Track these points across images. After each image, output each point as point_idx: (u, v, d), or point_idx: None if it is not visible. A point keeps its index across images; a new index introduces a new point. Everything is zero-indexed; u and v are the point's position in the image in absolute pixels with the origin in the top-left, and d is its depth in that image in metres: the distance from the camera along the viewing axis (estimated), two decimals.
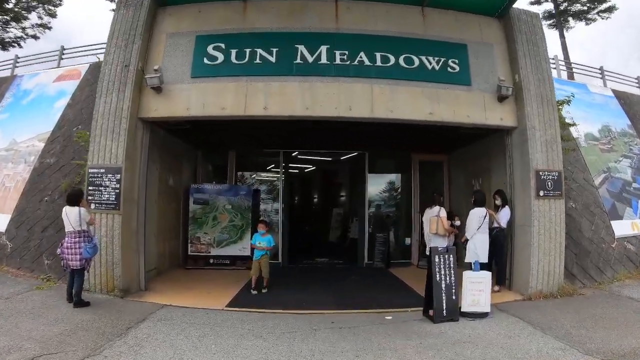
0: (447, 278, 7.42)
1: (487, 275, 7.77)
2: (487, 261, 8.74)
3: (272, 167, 14.49)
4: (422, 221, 11.72)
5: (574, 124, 13.26)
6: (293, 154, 14.98)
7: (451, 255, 7.51)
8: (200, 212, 12.76)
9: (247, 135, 12.29)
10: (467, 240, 8.94)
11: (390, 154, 14.30)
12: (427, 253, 8.86)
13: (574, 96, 12.30)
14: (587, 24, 28.13)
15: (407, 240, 13.82)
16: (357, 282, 11.09)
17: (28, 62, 18.28)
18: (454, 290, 7.43)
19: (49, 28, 27.35)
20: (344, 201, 22.21)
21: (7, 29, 26.17)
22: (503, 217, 9.48)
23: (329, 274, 12.18)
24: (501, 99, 9.55)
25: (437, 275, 7.35)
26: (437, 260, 7.38)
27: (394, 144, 13.00)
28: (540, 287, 9.05)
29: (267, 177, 14.44)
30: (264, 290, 9.50)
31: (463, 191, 12.87)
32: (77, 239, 7.85)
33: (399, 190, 14.35)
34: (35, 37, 27.09)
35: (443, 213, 9.17)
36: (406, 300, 8.74)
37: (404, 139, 12.18)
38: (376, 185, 14.13)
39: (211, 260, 12.63)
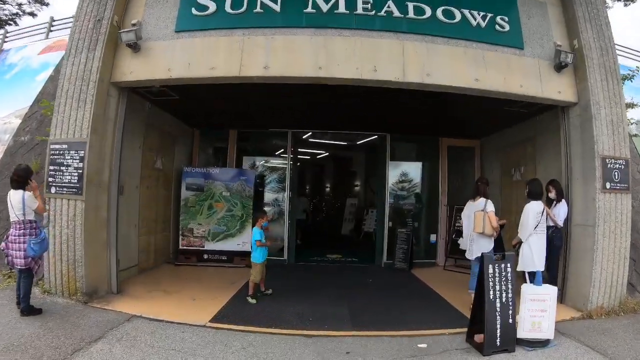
0: (504, 295, 5.53)
1: (552, 291, 5.88)
2: (542, 269, 6.91)
3: (279, 152, 12.72)
4: (452, 217, 10.27)
5: (633, 105, 11.21)
6: (303, 137, 13.26)
7: (509, 265, 5.58)
8: (193, 199, 11.03)
9: (248, 113, 10.48)
10: (519, 243, 7.03)
11: (415, 137, 12.38)
12: (470, 257, 7.50)
13: (639, 70, 10.27)
14: (625, 4, 25.80)
15: (433, 238, 11.97)
16: (375, 287, 9.27)
17: (18, 36, 16.74)
18: (511, 312, 5.55)
19: (46, 4, 25.56)
20: (359, 191, 20.77)
21: (3, 7, 24.47)
22: (561, 213, 7.62)
23: (342, 276, 10.37)
24: (559, 67, 7.71)
25: (491, 292, 5.46)
26: (491, 271, 5.48)
27: (420, 125, 11.16)
28: (602, 302, 7.34)
29: (274, 162, 12.62)
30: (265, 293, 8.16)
31: (497, 182, 11.06)
32: (21, 232, 6.23)
33: (424, 179, 12.41)
34: (32, 14, 25.32)
35: (491, 207, 7.15)
36: (440, 317, 6.99)
37: (431, 118, 10.40)
38: (398, 174, 12.23)
39: (205, 256, 10.94)
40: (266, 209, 11.48)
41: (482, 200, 7.28)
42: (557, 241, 7.58)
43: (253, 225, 8.65)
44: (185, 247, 10.92)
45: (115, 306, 6.90)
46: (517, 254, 6.89)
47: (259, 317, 6.70)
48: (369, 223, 17.11)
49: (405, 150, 12.94)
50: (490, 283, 5.41)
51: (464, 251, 10.80)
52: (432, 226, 12.16)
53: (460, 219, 11.08)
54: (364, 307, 7.52)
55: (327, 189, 23.96)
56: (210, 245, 10.92)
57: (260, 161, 12.50)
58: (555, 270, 7.70)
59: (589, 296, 7.28)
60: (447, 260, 11.37)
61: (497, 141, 11.35)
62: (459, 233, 10.98)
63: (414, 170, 12.48)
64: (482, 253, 5.85)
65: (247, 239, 10.64)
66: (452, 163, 12.19)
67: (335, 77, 7.02)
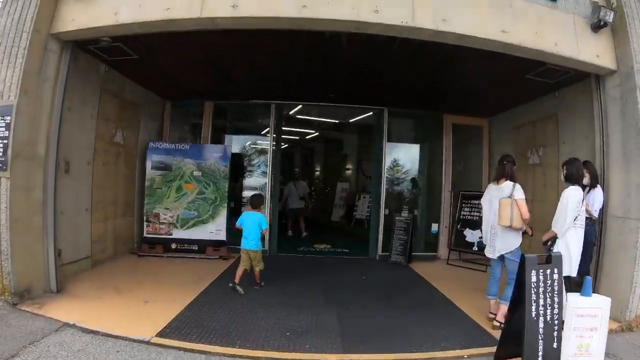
0: (549, 312, 4.23)
1: (604, 303, 4.54)
2: (575, 275, 5.57)
3: (261, 129, 11.35)
4: (457, 204, 8.84)
5: None
6: (289, 113, 11.94)
7: (556, 271, 4.22)
8: (159, 180, 9.61)
9: (223, 79, 8.97)
10: (553, 239, 5.60)
11: (416, 113, 10.95)
12: (491, 254, 6.00)
13: None
14: None
15: (434, 227, 10.63)
16: (370, 287, 7.86)
17: None
18: (556, 333, 4.25)
19: None
20: (351, 175, 19.45)
21: None
22: (596, 202, 6.21)
23: (331, 271, 9.00)
24: (597, 27, 6.31)
25: (533, 308, 4.14)
26: (534, 279, 4.14)
27: (422, 98, 9.77)
28: None
29: (255, 140, 11.21)
30: (256, 287, 7.35)
31: None
32: None
33: (426, 162, 11.09)
34: None
35: (520, 193, 5.66)
36: (453, 330, 5.63)
37: (437, 89, 9.05)
38: (396, 155, 10.91)
39: (173, 246, 9.56)
40: (246, 193, 10.21)
41: (508, 184, 5.77)
42: (592, 237, 6.21)
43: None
44: (150, 235, 9.55)
45: (48, 310, 5.55)
46: (549, 252, 5.55)
47: (223, 329, 5.34)
48: (361, 209, 16.09)
49: (405, 128, 11.61)
50: (533, 296, 4.08)
51: (471, 243, 9.69)
52: (434, 214, 10.85)
53: (466, 207, 10.01)
54: (357, 316, 6.12)
55: (317, 173, 22.94)
56: (178, 233, 9.56)
57: (239, 139, 11.17)
58: (586, 270, 6.24)
59: (628, 304, 5.96)
60: (451, 253, 10.09)
61: (510, 119, 10.04)
62: (465, 223, 9.77)
63: (413, 151, 11.28)
64: (523, 255, 4.37)
65: (222, 226, 9.46)
66: (457, 144, 10.83)
67: (324, 19, 5.46)
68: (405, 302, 6.86)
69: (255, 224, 7.13)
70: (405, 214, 10.19)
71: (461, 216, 9.99)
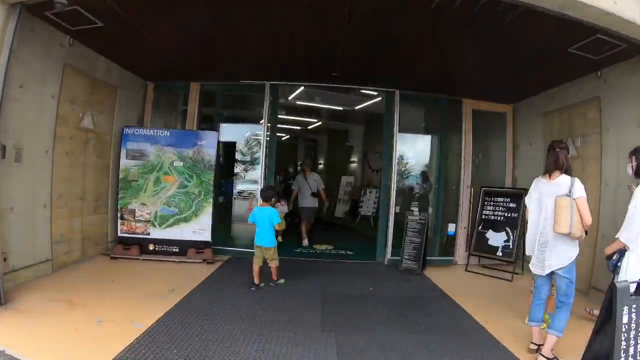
0: None
1: None
2: None
3: (254, 111, 10.08)
4: (479, 201, 7.97)
5: None
6: (287, 97, 10.78)
7: None
8: (135, 171, 8.46)
9: (208, 52, 7.73)
10: (621, 251, 4.33)
11: (432, 97, 9.66)
12: (540, 271, 4.60)
13: None
14: None
15: (451, 228, 9.39)
16: (380, 303, 6.47)
17: None
18: None
19: None
20: (356, 168, 18.42)
21: None
22: None
23: (333, 280, 7.75)
24: None
25: (622, 357, 2.84)
26: (625, 319, 2.86)
27: (440, 79, 8.57)
28: None
29: (246, 125, 9.95)
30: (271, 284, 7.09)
31: (538, 158, 8.46)
32: None
33: (442, 153, 9.76)
34: None
35: (581, 190, 4.22)
36: None
37: (460, 65, 7.70)
38: (409, 144, 9.71)
39: (151, 247, 8.42)
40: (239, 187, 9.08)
41: (564, 178, 4.41)
42: None
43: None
44: (125, 235, 8.43)
45: None
46: (614, 271, 4.33)
47: None
48: (366, 205, 15.05)
49: (418, 115, 10.48)
50: (623, 343, 2.81)
51: (494, 248, 8.49)
52: (451, 213, 9.63)
53: (489, 205, 8.82)
54: (362, 348, 4.78)
55: (320, 166, 21.74)
56: (157, 233, 8.42)
57: (230, 125, 10.03)
58: None
59: None
60: (470, 258, 8.91)
61: (539, 105, 8.80)
62: (487, 224, 8.58)
63: (428, 140, 10.19)
64: (614, 283, 3.09)
65: (206, 225, 8.38)
66: (477, 133, 9.63)
67: None
68: (423, 325, 5.61)
69: (266, 220, 6.82)
70: (419, 212, 8.94)
71: (483, 216, 8.83)
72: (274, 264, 7.02)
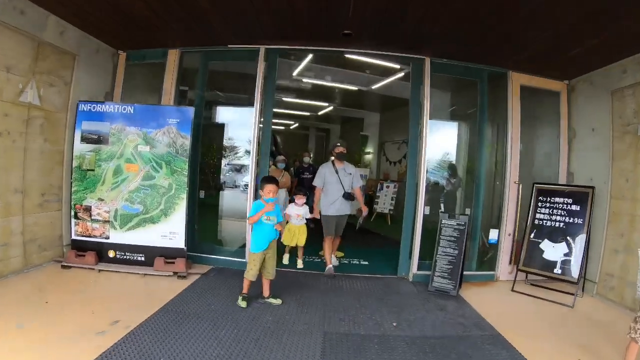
0: None
1: None
2: None
3: (245, 84, 7.86)
4: (531, 202, 6.17)
5: None
6: (294, 74, 9.02)
7: None
8: (91, 158, 6.67)
9: (195, 12, 5.97)
10: None
11: (470, 67, 7.60)
12: None
13: None
14: None
15: (493, 235, 7.46)
16: (409, 350, 4.51)
17: None
18: None
19: None
20: (372, 160, 16.74)
21: None
22: None
23: (341, 306, 5.76)
24: None
25: None
26: None
27: (480, 45, 6.63)
28: None
29: (236, 102, 8.11)
30: (267, 300, 5.69)
31: (602, 146, 6.85)
32: None
33: (482, 141, 7.73)
34: None
35: None
36: None
37: (508, 25, 5.77)
38: (440, 130, 7.79)
39: (111, 254, 6.69)
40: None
41: None
42: None
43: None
44: (79, 238, 6.69)
45: None
46: None
47: None
48: (382, 201, 13.32)
49: (453, 92, 8.51)
50: None
51: (550, 263, 6.54)
52: (492, 216, 7.80)
53: (544, 207, 6.93)
54: None
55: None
56: (118, 236, 6.66)
57: (215, 101, 8.23)
58: None
59: None
60: (518, 273, 7.04)
61: (606, 81, 6.89)
62: (542, 231, 6.73)
63: (465, 125, 8.35)
64: None
65: (179, 227, 6.60)
66: (526, 115, 7.68)
67: None
68: None
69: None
70: (456, 214, 7.03)
71: (536, 221, 6.95)
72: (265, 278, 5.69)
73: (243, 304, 5.42)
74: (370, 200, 14.03)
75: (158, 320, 4.77)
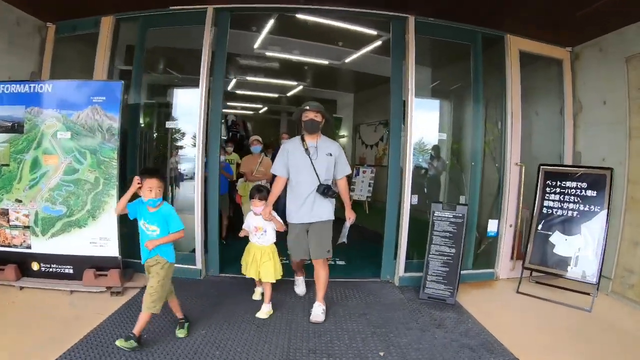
0: None
1: None
2: None
3: (190, 57, 6.41)
4: (538, 187, 5.55)
5: None
6: (255, 46, 8.06)
7: None
8: (5, 150, 5.39)
9: None
10: None
11: (462, 29, 6.37)
12: None
13: None
14: None
15: (492, 226, 6.35)
16: None
17: None
18: None
19: None
20: (347, 143, 15.52)
21: None
22: None
23: (308, 331, 4.51)
24: None
25: None
26: None
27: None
28: None
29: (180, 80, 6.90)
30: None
31: (617, 121, 5.87)
32: None
33: (479, 115, 6.51)
34: None
35: None
36: None
37: None
38: (428, 106, 6.60)
39: (35, 266, 5.43)
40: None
41: None
42: None
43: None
44: None
45: None
46: None
47: None
48: (359, 188, 12.10)
49: (441, 60, 7.38)
50: None
51: (563, 260, 5.40)
52: (490, 205, 6.69)
53: (553, 193, 5.87)
54: None
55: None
56: (41, 245, 5.38)
57: (155, 79, 7.06)
58: None
59: None
60: (523, 271, 5.91)
61: (619, 47, 5.86)
62: (552, 222, 5.75)
63: (457, 98, 7.17)
64: None
65: (110, 231, 5.34)
66: (526, 85, 6.55)
67: None
68: None
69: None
70: (447, 210, 5.64)
71: (544, 210, 5.86)
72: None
73: (180, 333, 4.21)
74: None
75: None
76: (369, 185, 11.93)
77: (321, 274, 4.86)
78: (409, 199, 5.90)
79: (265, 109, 19.70)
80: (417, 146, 6.25)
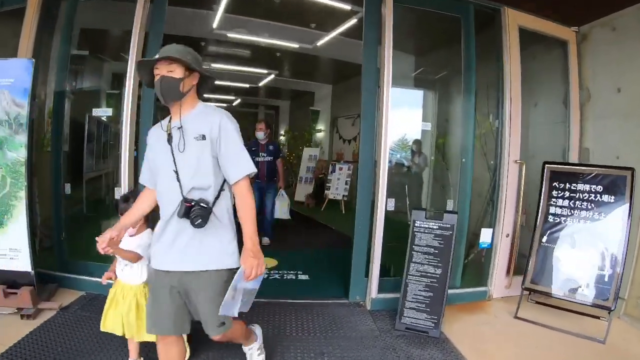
0: None
1: None
2: None
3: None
4: (543, 188, 4.71)
5: None
6: (214, 26, 7.06)
7: None
8: None
9: None
10: None
11: (447, 3, 5.30)
12: None
13: None
14: None
15: (485, 236, 5.20)
16: None
17: None
18: None
19: None
20: (324, 138, 14.89)
21: None
22: None
23: None
24: None
25: None
26: None
27: None
28: None
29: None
30: None
31: (629, 115, 4.89)
32: None
33: (470, 103, 5.33)
34: None
35: None
36: None
37: None
38: (408, 93, 5.75)
39: None
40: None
41: None
42: None
43: None
44: None
45: None
46: None
47: None
48: (335, 186, 11.32)
49: (424, 36, 6.27)
50: None
51: (571, 281, 4.17)
52: (482, 211, 5.59)
53: (560, 197, 4.71)
54: None
55: (282, 137, 18.28)
56: None
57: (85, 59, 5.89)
58: None
59: None
60: (523, 292, 4.82)
61: (634, 26, 4.89)
62: (559, 234, 4.72)
63: (442, 83, 6.30)
64: None
65: (20, 240, 4.22)
66: (527, 68, 5.43)
67: None
68: None
69: None
70: (431, 219, 4.46)
71: (549, 217, 4.76)
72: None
73: None
74: (321, 184, 12.15)
75: None
76: (346, 183, 11.14)
77: None
78: (383, 204, 4.70)
79: (240, 101, 19.00)
80: (397, 140, 5.21)
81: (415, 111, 6.37)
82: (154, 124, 2.83)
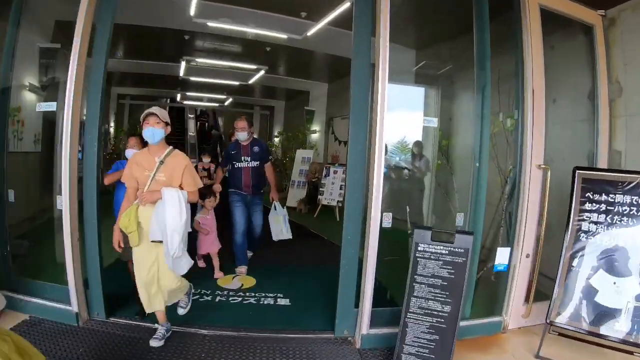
0: None
1: None
2: None
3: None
4: (572, 200, 3.86)
5: None
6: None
7: None
8: None
9: None
10: None
11: None
12: None
13: None
14: None
15: (502, 257, 4.27)
16: None
17: None
18: None
19: None
20: (319, 139, 14.33)
21: None
22: None
23: None
24: None
25: None
26: None
27: None
28: None
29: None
30: None
31: None
32: None
33: (484, 99, 4.38)
34: None
35: None
36: None
37: None
38: (408, 91, 5.28)
39: None
40: None
41: None
42: None
43: None
44: None
45: None
46: None
47: None
48: (329, 190, 10.81)
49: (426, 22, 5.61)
50: None
51: (608, 312, 3.64)
52: (492, 221, 4.79)
53: (594, 211, 3.77)
54: None
55: (276, 139, 17.72)
56: None
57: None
58: None
59: None
60: (547, 328, 3.91)
61: None
62: (592, 253, 3.89)
63: (443, 81, 5.68)
64: None
65: None
66: (550, 57, 4.60)
67: None
68: None
69: None
70: (446, 234, 3.59)
71: (581, 235, 3.85)
72: None
73: None
74: (314, 189, 11.46)
75: None
76: (341, 188, 10.32)
77: None
78: (377, 221, 3.78)
79: (231, 100, 18.54)
80: (396, 142, 4.37)
81: (416, 110, 5.62)
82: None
